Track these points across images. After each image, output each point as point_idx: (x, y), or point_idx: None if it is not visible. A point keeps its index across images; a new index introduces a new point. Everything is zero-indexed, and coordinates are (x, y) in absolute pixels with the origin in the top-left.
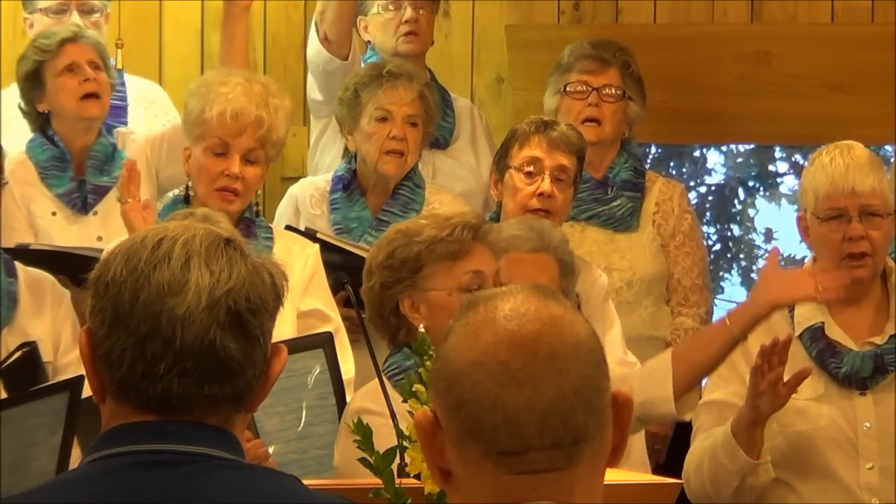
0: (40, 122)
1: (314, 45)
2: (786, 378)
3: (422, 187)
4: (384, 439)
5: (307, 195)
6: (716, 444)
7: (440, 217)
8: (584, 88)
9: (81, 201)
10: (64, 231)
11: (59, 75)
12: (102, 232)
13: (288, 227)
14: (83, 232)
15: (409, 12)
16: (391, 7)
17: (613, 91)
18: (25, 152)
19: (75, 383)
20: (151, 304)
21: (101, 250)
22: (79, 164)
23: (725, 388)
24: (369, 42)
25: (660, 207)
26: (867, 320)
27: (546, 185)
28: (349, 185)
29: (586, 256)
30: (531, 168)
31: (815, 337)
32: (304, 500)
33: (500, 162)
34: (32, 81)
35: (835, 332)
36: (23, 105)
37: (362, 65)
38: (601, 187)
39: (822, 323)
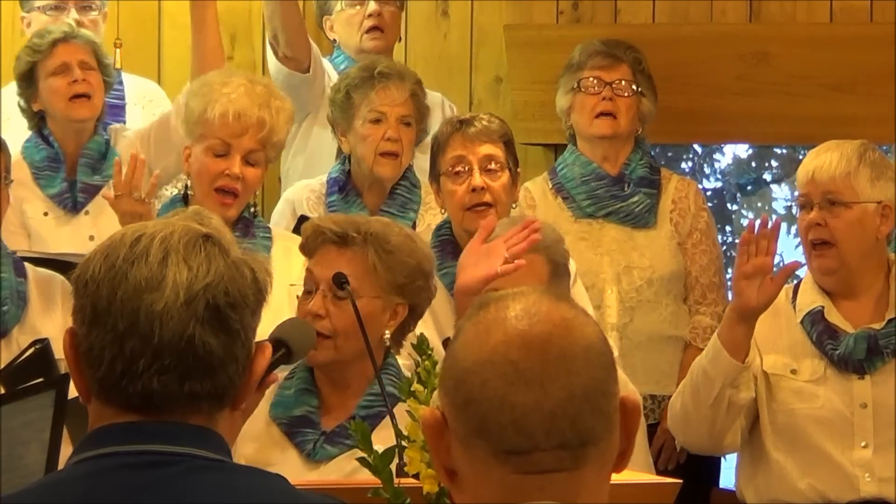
0: (36, 120)
1: (274, 65)
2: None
3: (418, 186)
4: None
5: (303, 198)
6: (701, 355)
7: None
8: (597, 83)
9: (72, 201)
10: (55, 231)
11: (50, 76)
12: (94, 231)
13: (302, 217)
14: (75, 232)
15: (371, 6)
16: (355, 3)
17: (626, 85)
18: (21, 152)
19: (60, 381)
20: (129, 300)
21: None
22: (72, 163)
23: None
24: (335, 41)
25: (676, 205)
26: (867, 311)
27: (476, 178)
28: (344, 186)
29: (606, 255)
30: (459, 168)
31: (815, 320)
32: (288, 500)
33: (433, 172)
34: (27, 81)
35: (834, 316)
36: (21, 103)
37: (326, 67)
38: (618, 184)
39: (822, 307)
